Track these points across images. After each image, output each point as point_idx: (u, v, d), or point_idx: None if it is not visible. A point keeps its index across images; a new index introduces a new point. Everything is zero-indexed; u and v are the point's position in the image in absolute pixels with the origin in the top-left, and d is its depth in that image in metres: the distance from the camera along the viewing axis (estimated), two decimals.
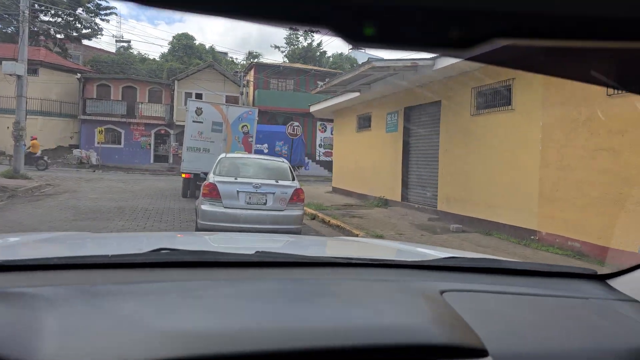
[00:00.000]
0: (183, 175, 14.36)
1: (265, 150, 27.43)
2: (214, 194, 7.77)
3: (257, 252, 1.60)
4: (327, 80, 14.58)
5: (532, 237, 8.29)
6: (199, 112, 14.22)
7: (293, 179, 8.49)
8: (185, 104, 13.92)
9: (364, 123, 16.16)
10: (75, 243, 2.21)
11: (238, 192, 7.80)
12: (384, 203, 13.56)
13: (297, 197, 8.08)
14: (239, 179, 8.03)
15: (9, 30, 34.42)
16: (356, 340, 0.95)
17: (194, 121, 14.20)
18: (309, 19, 0.40)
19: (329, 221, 10.43)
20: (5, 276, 1.24)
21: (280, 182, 8.12)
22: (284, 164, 9.01)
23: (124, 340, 0.87)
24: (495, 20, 0.40)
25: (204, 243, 2.45)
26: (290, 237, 3.64)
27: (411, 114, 13.02)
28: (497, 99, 9.46)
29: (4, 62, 18.05)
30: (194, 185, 13.91)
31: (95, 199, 13.39)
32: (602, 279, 1.59)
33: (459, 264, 1.72)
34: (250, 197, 7.82)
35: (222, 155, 9.19)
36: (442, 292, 1.32)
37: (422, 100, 12.11)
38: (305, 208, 9.64)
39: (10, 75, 16.75)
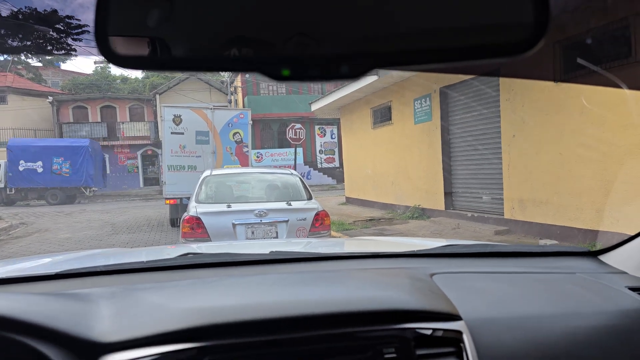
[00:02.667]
0: (167, 202, 11.63)
1: (40, 170, 22.64)
2: (198, 231, 5.32)
3: (271, 252, 1.85)
4: None
5: None
6: (177, 120, 11.38)
7: (310, 197, 6.11)
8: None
9: (382, 116, 13.43)
10: (113, 255, 2.48)
11: (235, 225, 5.41)
12: (421, 213, 10.92)
13: (320, 222, 5.71)
14: (234, 206, 5.60)
15: None
16: (336, 308, 1.10)
17: (172, 132, 11.42)
18: (246, 68, 0.62)
19: None
20: (64, 282, 1.50)
21: (294, 205, 5.76)
22: (293, 176, 6.62)
23: (156, 317, 1.09)
24: (367, 58, 0.60)
25: (226, 248, 2.60)
26: (304, 240, 4.33)
27: (451, 95, 10.26)
28: (607, 50, 6.47)
29: None
30: (183, 210, 11.23)
31: (65, 240, 11.26)
32: (595, 255, 1.67)
33: (453, 250, 1.83)
34: (253, 231, 5.45)
35: (207, 172, 6.59)
36: (432, 274, 1.44)
37: (466, 74, 9.28)
38: None
39: None
